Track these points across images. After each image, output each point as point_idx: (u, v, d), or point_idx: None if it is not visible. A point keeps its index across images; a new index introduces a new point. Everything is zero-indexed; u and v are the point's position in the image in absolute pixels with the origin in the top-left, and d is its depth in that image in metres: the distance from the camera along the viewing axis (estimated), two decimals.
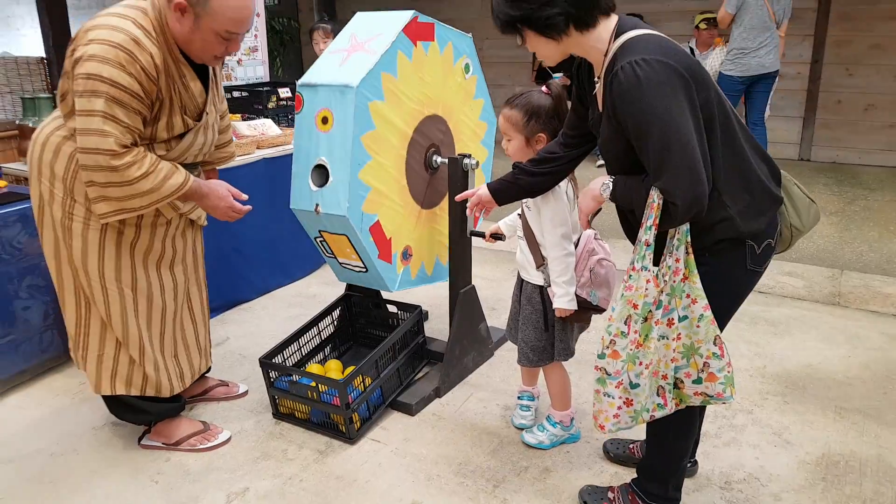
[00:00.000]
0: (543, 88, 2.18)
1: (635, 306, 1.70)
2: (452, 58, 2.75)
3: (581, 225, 2.01)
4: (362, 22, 2.66)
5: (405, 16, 2.54)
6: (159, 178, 2.06)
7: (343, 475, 2.28)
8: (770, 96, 5.69)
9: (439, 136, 2.74)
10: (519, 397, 2.54)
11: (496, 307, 3.44)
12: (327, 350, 2.90)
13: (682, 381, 1.80)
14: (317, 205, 2.53)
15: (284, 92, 4.61)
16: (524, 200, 2.25)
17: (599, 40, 1.68)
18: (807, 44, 6.63)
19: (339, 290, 3.02)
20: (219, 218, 2.32)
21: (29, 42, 11.35)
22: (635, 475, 2.08)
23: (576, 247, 2.18)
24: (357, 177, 2.45)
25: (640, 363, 1.73)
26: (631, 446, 2.31)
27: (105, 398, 2.41)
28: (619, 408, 1.77)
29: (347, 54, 2.50)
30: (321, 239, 2.69)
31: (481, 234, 2.56)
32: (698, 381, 1.78)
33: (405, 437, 2.47)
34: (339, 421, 2.44)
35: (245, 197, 2.33)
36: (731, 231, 1.69)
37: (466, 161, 2.59)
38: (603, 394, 1.78)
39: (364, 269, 2.68)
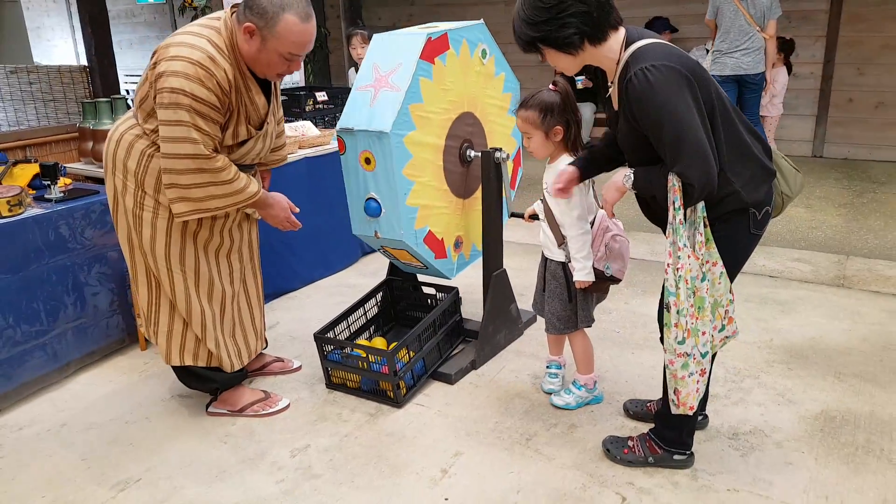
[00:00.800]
0: (551, 86, 2.46)
1: (687, 282, 1.95)
2: (469, 52, 2.95)
3: (607, 214, 2.29)
4: (381, 48, 2.84)
5: (419, 41, 2.70)
6: (241, 185, 2.37)
7: (393, 432, 2.57)
8: (762, 100, 5.88)
9: (469, 129, 3.01)
10: (548, 366, 2.83)
11: (524, 293, 3.71)
12: (372, 329, 3.20)
13: (713, 336, 2.06)
14: (375, 231, 2.87)
15: (321, 96, 4.93)
16: (545, 187, 2.54)
17: (611, 51, 1.97)
18: (819, 44, 6.85)
19: (376, 280, 3.32)
20: (276, 226, 2.62)
21: (59, 52, 11.81)
22: (652, 426, 2.35)
23: (592, 225, 2.47)
24: (405, 204, 2.76)
25: (703, 333, 2.00)
26: (648, 404, 2.58)
27: (175, 369, 2.70)
28: (699, 380, 2.02)
29: (375, 91, 2.75)
30: (384, 250, 3.03)
31: (521, 215, 2.85)
32: (722, 328, 2.07)
33: (446, 402, 2.76)
34: (387, 388, 2.74)
35: (297, 210, 2.64)
36: (737, 202, 1.98)
37: (497, 154, 2.88)
38: (687, 377, 2.00)
39: (425, 267, 3.03)
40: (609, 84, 2.06)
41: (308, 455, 2.46)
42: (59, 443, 2.59)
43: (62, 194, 3.09)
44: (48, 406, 2.85)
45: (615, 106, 2.05)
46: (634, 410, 2.60)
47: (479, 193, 3.06)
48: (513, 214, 3.04)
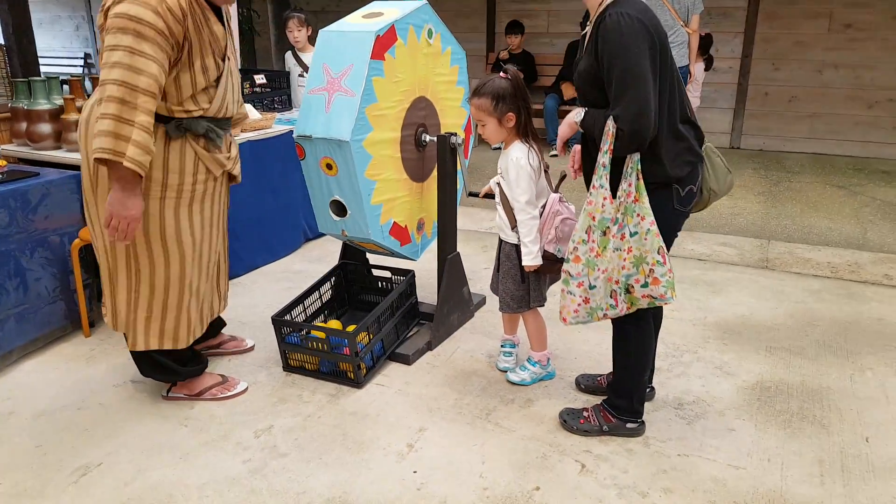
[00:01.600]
0: (501, 74, 2.55)
1: (593, 218, 2.15)
2: (416, 38, 2.95)
3: (558, 151, 2.42)
4: (329, 48, 2.76)
5: (368, 41, 2.66)
6: (142, 139, 2.11)
7: (356, 411, 2.62)
8: (694, 91, 6.16)
9: (422, 113, 3.06)
10: (502, 345, 2.93)
11: (471, 277, 3.83)
12: (326, 313, 3.22)
13: (632, 287, 2.20)
14: (343, 230, 2.91)
15: (259, 78, 4.87)
16: (499, 171, 2.64)
17: None
18: (738, 40, 7.23)
19: (321, 266, 3.33)
20: (106, 223, 2.24)
21: None
22: (605, 397, 2.50)
23: (543, 210, 2.57)
24: (370, 204, 2.80)
25: (598, 269, 2.18)
26: (598, 378, 2.73)
27: (137, 359, 2.65)
28: (579, 304, 2.24)
29: (329, 95, 2.72)
30: (351, 243, 3.07)
31: (476, 194, 2.93)
32: (645, 285, 2.19)
33: (405, 381, 2.83)
34: (347, 369, 2.78)
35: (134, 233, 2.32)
36: (662, 175, 2.15)
37: (453, 139, 2.95)
38: (567, 292, 2.26)
39: (391, 254, 3.09)
40: (587, 23, 2.23)
41: (272, 435, 2.48)
42: (8, 431, 2.51)
43: (1, 176, 2.98)
44: None
45: (584, 47, 2.20)
46: (586, 384, 2.74)
47: (435, 174, 3.13)
48: (470, 194, 3.12)
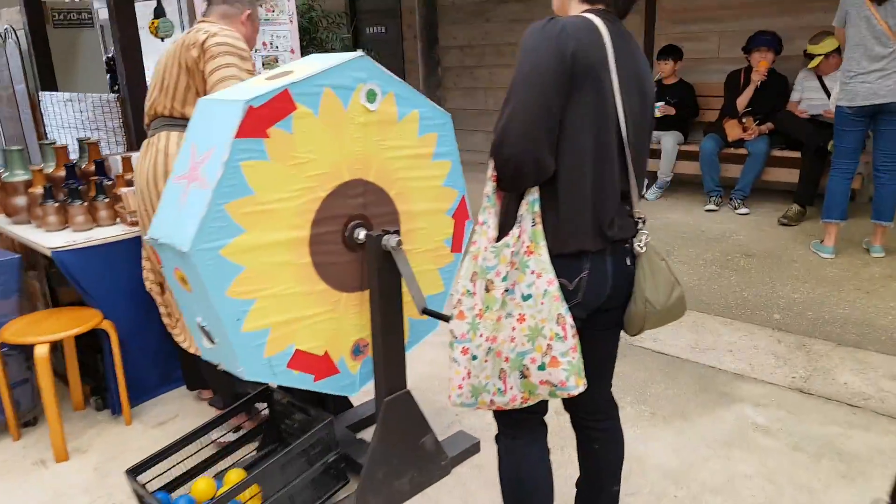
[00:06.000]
0: None
1: (475, 258, 1.63)
2: (341, 104, 2.11)
3: None
4: (202, 122, 2.08)
5: (235, 113, 1.92)
6: None
7: None
8: None
9: (357, 201, 2.19)
10: None
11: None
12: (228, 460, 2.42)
13: (527, 369, 1.62)
14: (219, 363, 2.13)
15: None
16: None
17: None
18: None
19: None
20: None
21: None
22: None
23: None
24: (241, 332, 1.98)
25: (481, 335, 1.64)
26: None
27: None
28: (464, 378, 1.68)
29: (187, 185, 1.98)
30: None
31: (428, 312, 2.06)
32: (542, 367, 1.60)
33: None
34: None
35: None
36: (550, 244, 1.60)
37: (387, 239, 2.06)
38: (452, 359, 1.69)
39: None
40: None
41: None
42: None
43: None
44: None
45: None
46: None
47: None
48: (424, 311, 2.16)
